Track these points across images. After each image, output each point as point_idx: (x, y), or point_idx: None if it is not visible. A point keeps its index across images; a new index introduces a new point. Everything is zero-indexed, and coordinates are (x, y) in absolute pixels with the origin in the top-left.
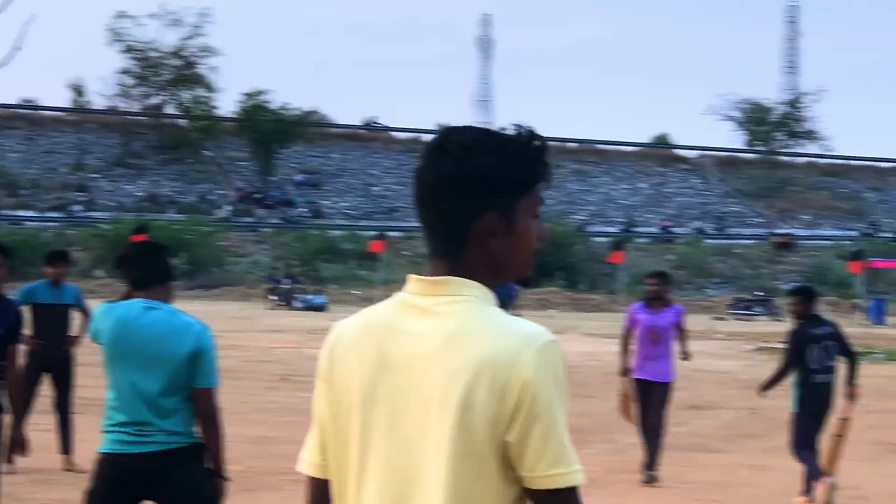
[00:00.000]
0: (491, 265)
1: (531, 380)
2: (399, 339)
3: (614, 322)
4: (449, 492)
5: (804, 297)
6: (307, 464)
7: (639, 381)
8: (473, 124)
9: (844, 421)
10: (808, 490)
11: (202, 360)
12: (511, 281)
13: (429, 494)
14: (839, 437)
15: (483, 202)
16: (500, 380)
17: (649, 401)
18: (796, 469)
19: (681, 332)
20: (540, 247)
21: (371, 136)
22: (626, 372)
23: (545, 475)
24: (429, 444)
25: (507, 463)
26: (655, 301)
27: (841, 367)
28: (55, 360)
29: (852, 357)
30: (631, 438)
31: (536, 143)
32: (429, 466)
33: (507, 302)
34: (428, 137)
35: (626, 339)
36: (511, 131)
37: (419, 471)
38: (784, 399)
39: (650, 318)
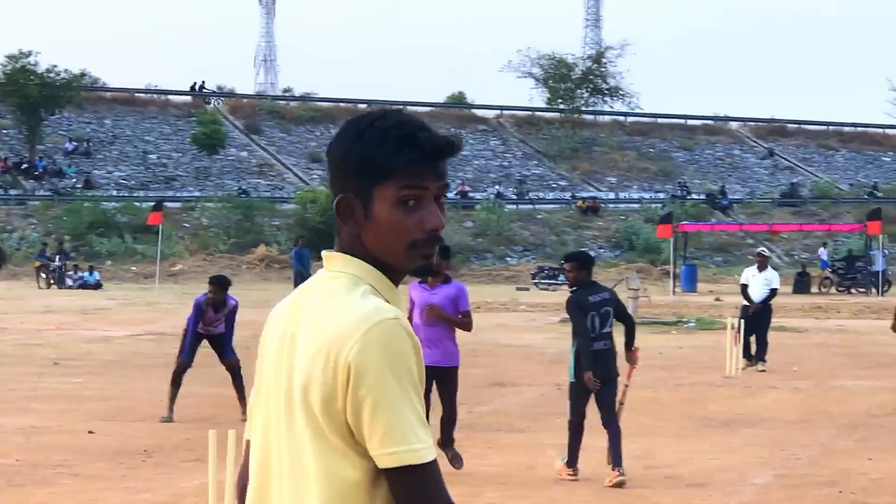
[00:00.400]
0: (362, 247)
1: (355, 359)
2: (297, 315)
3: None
4: (312, 470)
5: (579, 263)
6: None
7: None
8: (396, 110)
9: (625, 387)
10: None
11: None
12: (403, 269)
13: (291, 472)
14: (620, 404)
15: (343, 184)
16: (332, 359)
17: (440, 389)
18: (605, 447)
19: (462, 314)
20: (425, 238)
21: (147, 100)
22: None
23: (380, 454)
24: (291, 422)
25: (357, 441)
26: (433, 277)
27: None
28: None
29: (629, 322)
30: (430, 420)
31: (402, 132)
32: (290, 443)
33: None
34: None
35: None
36: (383, 119)
37: (279, 448)
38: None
39: (426, 296)
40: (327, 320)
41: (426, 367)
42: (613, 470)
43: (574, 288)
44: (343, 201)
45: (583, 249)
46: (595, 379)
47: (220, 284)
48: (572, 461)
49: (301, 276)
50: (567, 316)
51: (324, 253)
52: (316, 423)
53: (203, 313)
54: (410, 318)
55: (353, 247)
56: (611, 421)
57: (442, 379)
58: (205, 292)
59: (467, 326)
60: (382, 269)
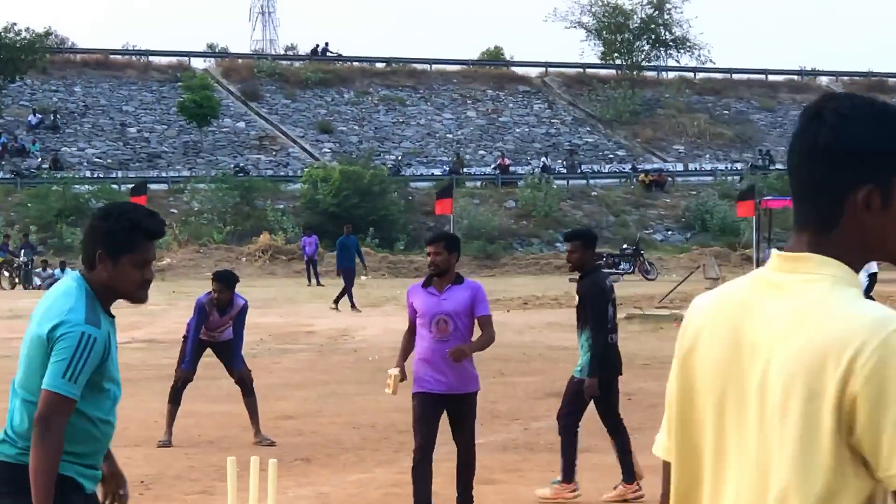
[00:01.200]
0: (861, 243)
1: (877, 368)
2: (753, 319)
3: None
4: (799, 483)
5: (583, 242)
6: (660, 446)
7: (426, 395)
8: (854, 94)
9: None
10: (565, 478)
11: None
12: (881, 261)
13: (781, 485)
14: None
15: (859, 175)
16: (844, 367)
17: (453, 423)
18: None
19: (481, 321)
20: None
21: (124, 62)
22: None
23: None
24: (777, 432)
25: (860, 457)
26: (440, 278)
27: None
28: None
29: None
30: (481, 438)
31: None
32: (779, 456)
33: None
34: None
35: (406, 337)
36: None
37: (770, 459)
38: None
39: (434, 302)
40: (826, 325)
41: (429, 394)
42: (630, 484)
43: (581, 271)
44: (858, 195)
45: (585, 227)
46: (607, 378)
47: (225, 281)
48: (571, 475)
49: (349, 273)
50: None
51: (784, 254)
52: (816, 435)
53: (206, 316)
54: (413, 330)
55: (841, 246)
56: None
57: (458, 409)
58: (207, 291)
59: (490, 342)
60: (855, 267)
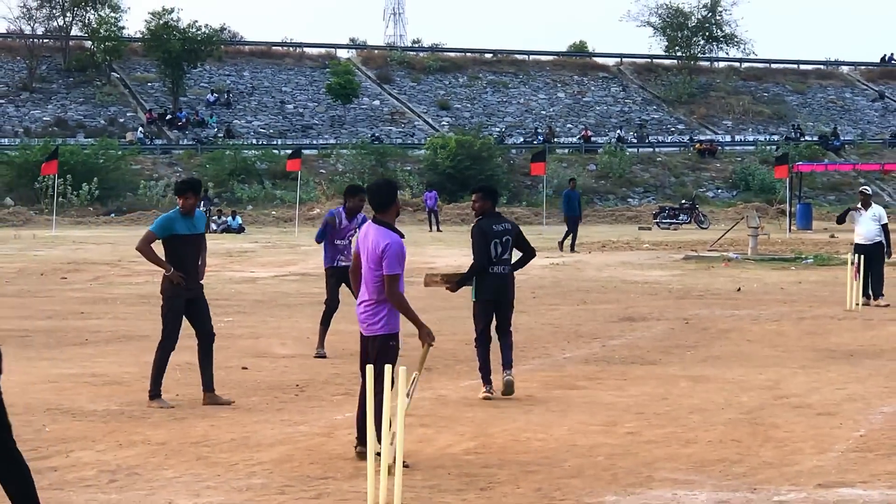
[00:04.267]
0: None
1: None
2: None
3: (536, 235)
4: None
5: (484, 194)
6: None
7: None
8: None
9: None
10: (485, 382)
11: None
12: None
13: None
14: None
15: None
16: None
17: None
18: (736, 379)
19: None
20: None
21: (283, 52)
22: None
23: None
24: None
25: None
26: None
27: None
28: (196, 291)
29: (530, 252)
30: (568, 353)
31: None
32: None
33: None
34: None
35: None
36: None
37: None
38: (718, 308)
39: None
40: None
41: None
42: (504, 371)
43: (479, 217)
44: None
45: (489, 184)
46: (488, 299)
47: (361, 193)
48: (487, 378)
49: (572, 221)
50: (690, 253)
51: None
52: None
53: (334, 227)
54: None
55: None
56: (506, 334)
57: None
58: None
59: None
60: None
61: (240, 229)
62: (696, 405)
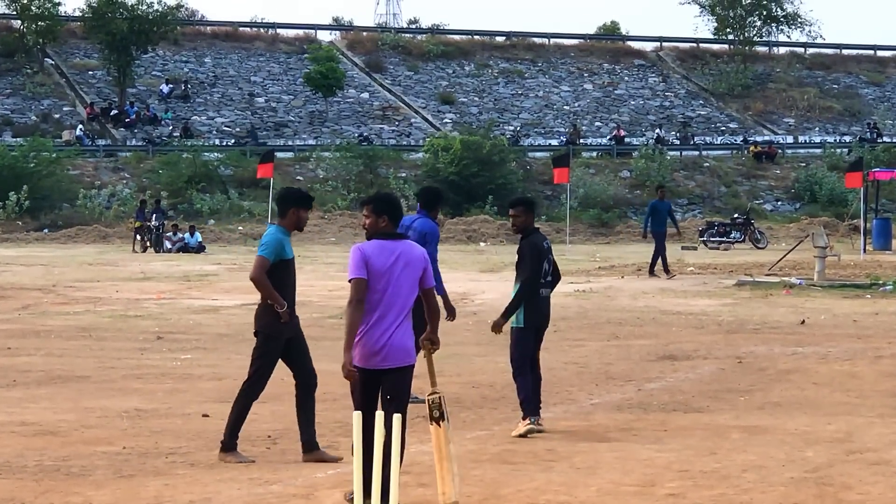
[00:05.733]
0: None
1: None
2: None
3: (559, 256)
4: None
5: (527, 207)
6: None
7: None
8: None
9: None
10: (525, 415)
11: None
12: None
13: None
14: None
15: None
16: None
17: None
18: (799, 430)
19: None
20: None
21: (253, 34)
22: None
23: None
24: None
25: None
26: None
27: None
28: (297, 328)
29: (558, 276)
30: (596, 398)
31: None
32: None
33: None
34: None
35: None
36: None
37: None
38: (777, 345)
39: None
40: None
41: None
42: (524, 420)
43: (520, 233)
44: None
45: (528, 196)
46: (535, 325)
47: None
48: (535, 410)
49: (660, 238)
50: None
51: None
52: None
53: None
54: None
55: None
56: (537, 366)
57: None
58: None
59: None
60: None
61: (199, 248)
62: (752, 462)
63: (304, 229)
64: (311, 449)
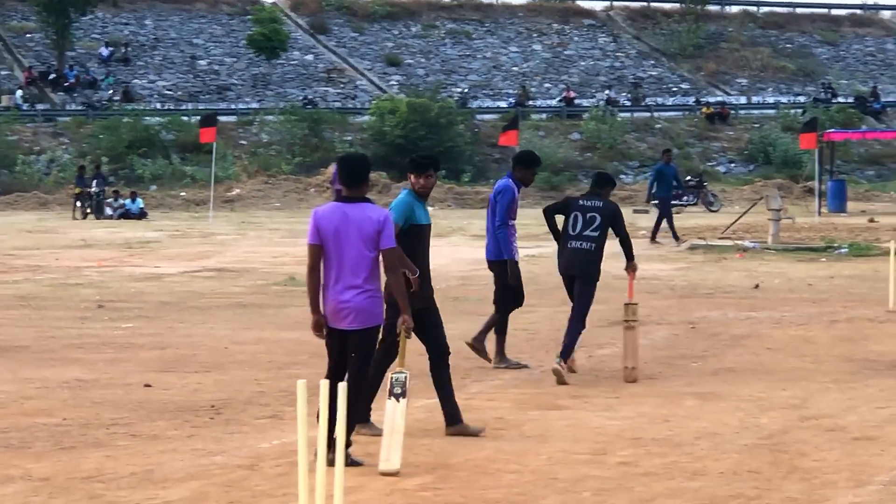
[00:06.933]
0: None
1: None
2: None
3: None
4: None
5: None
6: None
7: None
8: None
9: (628, 307)
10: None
11: None
12: None
13: None
14: (629, 325)
15: None
16: None
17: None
18: (753, 396)
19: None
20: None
21: None
22: None
23: None
24: None
25: None
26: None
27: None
28: (430, 299)
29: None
30: (546, 365)
31: None
32: None
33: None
34: None
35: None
36: None
37: None
38: (731, 310)
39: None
40: None
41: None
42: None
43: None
44: None
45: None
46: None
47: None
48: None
49: (664, 203)
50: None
51: None
52: None
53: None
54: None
55: None
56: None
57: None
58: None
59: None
60: None
61: (141, 214)
62: (705, 429)
63: (427, 195)
64: (453, 422)
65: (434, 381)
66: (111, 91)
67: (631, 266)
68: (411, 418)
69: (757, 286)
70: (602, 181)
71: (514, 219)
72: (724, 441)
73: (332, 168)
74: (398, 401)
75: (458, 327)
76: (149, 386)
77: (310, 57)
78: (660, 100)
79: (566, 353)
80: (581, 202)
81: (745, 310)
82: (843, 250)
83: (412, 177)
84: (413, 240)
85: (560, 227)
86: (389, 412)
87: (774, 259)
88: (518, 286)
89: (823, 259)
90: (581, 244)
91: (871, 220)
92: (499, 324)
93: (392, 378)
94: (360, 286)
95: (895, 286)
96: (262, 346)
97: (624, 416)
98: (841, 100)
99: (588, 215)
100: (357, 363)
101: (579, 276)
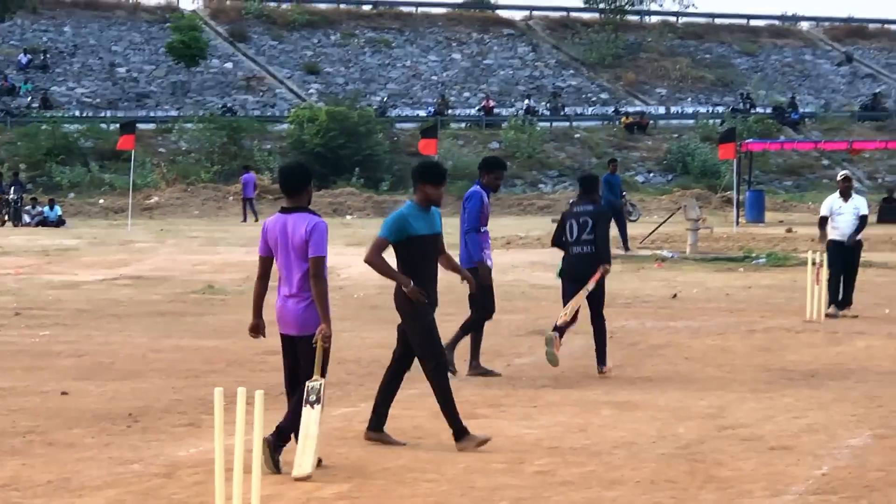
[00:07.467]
0: None
1: None
2: None
3: None
4: None
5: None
6: None
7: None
8: None
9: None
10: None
11: None
12: None
13: None
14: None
15: None
16: None
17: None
18: (671, 405)
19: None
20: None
21: (113, 3)
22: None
23: None
24: None
25: None
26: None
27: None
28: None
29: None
30: (464, 374)
31: None
32: None
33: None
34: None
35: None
36: None
37: None
38: (649, 319)
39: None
40: None
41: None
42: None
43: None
44: None
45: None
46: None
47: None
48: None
49: (618, 210)
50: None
51: None
52: None
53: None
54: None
55: None
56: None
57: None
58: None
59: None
60: None
61: (59, 222)
62: (622, 438)
63: (440, 204)
64: (377, 428)
65: (384, 382)
66: (30, 98)
67: (602, 266)
68: (329, 427)
69: (675, 296)
70: (589, 185)
71: (486, 225)
72: (641, 450)
73: (243, 177)
74: (313, 408)
75: (376, 336)
76: (66, 394)
77: (229, 65)
78: (579, 109)
79: (601, 358)
80: (574, 209)
81: (663, 319)
82: (760, 260)
83: (426, 187)
84: (412, 252)
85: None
86: (304, 419)
87: (692, 269)
88: (490, 293)
89: (741, 269)
90: (581, 248)
91: (789, 231)
92: (473, 330)
93: (308, 386)
94: (296, 294)
95: (812, 296)
96: (180, 354)
97: (541, 424)
98: (759, 110)
99: (581, 220)
100: (306, 370)
101: (584, 279)
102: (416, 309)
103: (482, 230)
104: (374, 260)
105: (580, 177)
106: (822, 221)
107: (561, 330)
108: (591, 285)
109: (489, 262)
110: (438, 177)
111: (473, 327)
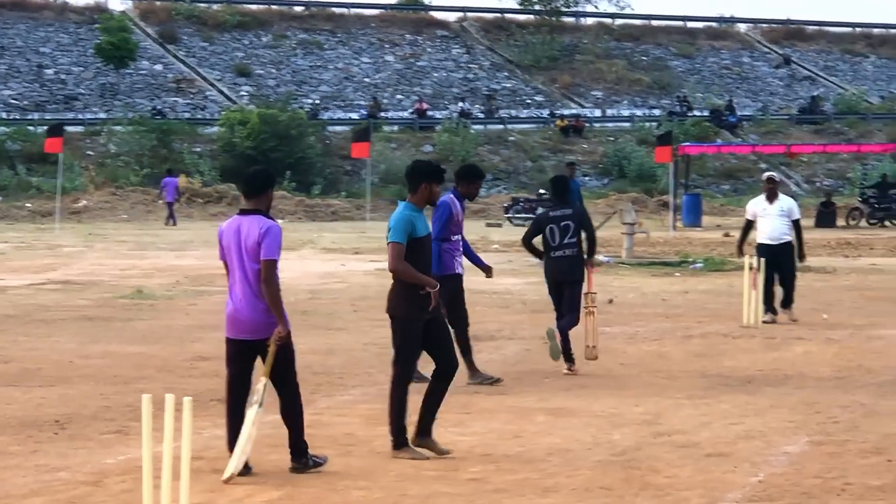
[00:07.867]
0: None
1: None
2: None
3: (360, 233)
4: None
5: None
6: None
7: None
8: None
9: (588, 295)
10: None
11: None
12: None
13: None
14: (588, 310)
15: None
16: None
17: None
18: (606, 412)
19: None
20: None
21: (41, 3)
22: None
23: None
24: None
25: None
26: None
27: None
28: (436, 310)
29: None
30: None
31: None
32: None
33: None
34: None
35: None
36: None
37: None
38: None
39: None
40: None
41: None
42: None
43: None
44: None
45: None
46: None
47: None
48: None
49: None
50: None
51: None
52: None
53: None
54: None
55: None
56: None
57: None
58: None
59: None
60: None
61: None
62: (557, 445)
63: (435, 203)
64: (424, 434)
65: (428, 390)
66: None
67: (590, 261)
68: (260, 434)
69: (611, 301)
70: (560, 187)
71: (460, 233)
72: (576, 457)
73: (163, 181)
74: (255, 408)
75: (307, 342)
76: None
77: (159, 67)
78: (514, 112)
79: (566, 350)
80: (551, 215)
81: (598, 325)
82: (697, 265)
83: (431, 186)
84: (414, 252)
85: (539, 244)
86: (246, 419)
87: (629, 274)
88: (462, 302)
89: (678, 274)
90: (563, 252)
91: (726, 235)
92: (467, 344)
93: (258, 387)
94: (250, 298)
95: (749, 301)
96: (108, 360)
97: (474, 431)
98: (696, 113)
99: (562, 224)
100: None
101: (566, 281)
102: (413, 314)
103: (453, 238)
104: (401, 267)
105: (551, 179)
106: (747, 225)
107: (564, 332)
108: (592, 288)
109: (459, 270)
110: (441, 174)
111: (467, 341)
